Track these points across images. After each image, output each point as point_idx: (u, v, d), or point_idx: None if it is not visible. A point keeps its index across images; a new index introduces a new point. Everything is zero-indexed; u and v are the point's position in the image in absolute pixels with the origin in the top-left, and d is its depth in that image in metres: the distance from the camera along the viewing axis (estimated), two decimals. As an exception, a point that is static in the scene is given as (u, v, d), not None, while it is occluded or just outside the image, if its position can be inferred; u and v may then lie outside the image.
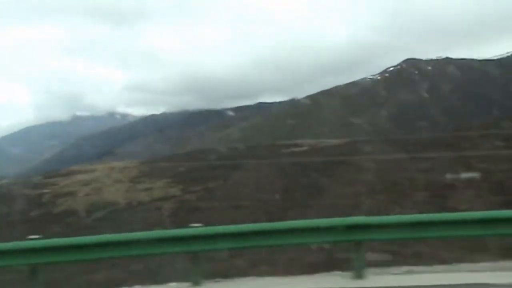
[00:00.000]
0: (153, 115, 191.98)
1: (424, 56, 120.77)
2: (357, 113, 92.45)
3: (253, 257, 15.43)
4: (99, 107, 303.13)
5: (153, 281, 9.31)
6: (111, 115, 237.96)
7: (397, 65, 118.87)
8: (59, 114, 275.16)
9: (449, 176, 23.97)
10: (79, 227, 24.72)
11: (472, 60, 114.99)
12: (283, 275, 8.98)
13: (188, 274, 8.27)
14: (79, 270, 17.05)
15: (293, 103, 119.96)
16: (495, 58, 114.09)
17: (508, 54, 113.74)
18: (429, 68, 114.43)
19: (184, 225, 8.32)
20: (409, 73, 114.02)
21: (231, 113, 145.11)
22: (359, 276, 8.07)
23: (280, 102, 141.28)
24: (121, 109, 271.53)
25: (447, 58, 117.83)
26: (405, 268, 8.56)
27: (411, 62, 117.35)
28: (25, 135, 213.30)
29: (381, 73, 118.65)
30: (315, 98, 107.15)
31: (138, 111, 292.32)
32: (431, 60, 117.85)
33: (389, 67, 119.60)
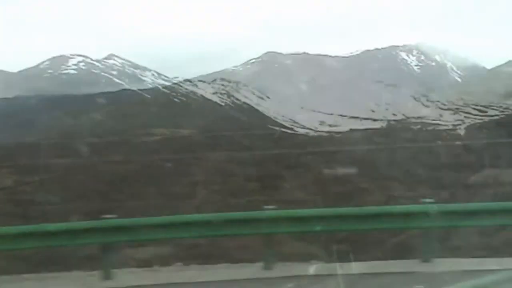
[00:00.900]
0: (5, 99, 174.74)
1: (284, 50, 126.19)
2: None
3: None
4: None
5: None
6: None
7: (258, 57, 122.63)
8: None
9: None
10: None
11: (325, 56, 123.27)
12: None
13: None
14: None
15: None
16: (346, 56, 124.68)
17: (357, 53, 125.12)
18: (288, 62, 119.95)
19: None
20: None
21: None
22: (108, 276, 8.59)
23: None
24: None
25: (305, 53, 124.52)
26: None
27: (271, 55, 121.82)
28: None
29: (243, 65, 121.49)
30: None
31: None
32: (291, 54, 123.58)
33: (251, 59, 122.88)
